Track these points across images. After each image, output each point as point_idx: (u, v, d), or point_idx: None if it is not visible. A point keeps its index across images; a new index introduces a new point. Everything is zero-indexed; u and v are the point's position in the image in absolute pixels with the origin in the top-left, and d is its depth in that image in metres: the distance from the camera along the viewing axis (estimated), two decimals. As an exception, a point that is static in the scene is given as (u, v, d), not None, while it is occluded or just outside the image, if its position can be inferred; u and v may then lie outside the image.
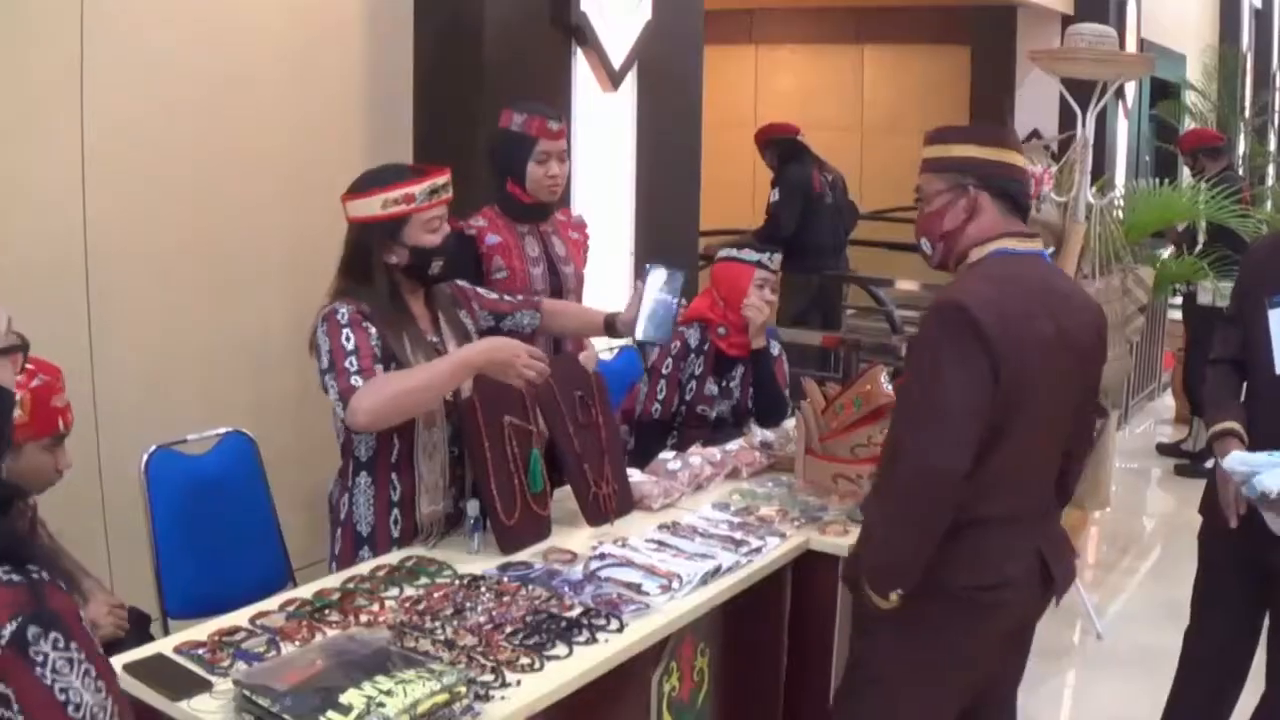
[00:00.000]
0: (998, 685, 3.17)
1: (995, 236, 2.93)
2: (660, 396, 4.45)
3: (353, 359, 3.19)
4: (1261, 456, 3.29)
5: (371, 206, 3.32)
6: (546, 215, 4.21)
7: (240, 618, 2.89)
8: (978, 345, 2.73)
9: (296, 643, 2.74)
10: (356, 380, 3.16)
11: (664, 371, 4.45)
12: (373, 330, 3.27)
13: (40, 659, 1.59)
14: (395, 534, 3.41)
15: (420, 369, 3.25)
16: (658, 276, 3.74)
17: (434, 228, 3.37)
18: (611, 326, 3.81)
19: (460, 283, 3.71)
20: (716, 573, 3.21)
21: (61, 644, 1.60)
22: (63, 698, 1.59)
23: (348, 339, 3.22)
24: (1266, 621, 3.67)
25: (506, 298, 3.83)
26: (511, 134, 4.08)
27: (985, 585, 2.87)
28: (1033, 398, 2.81)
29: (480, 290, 3.78)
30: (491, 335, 3.66)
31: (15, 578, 1.62)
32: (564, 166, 4.14)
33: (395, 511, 3.41)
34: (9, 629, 1.57)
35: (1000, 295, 2.82)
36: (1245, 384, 3.64)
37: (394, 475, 3.39)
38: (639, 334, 3.76)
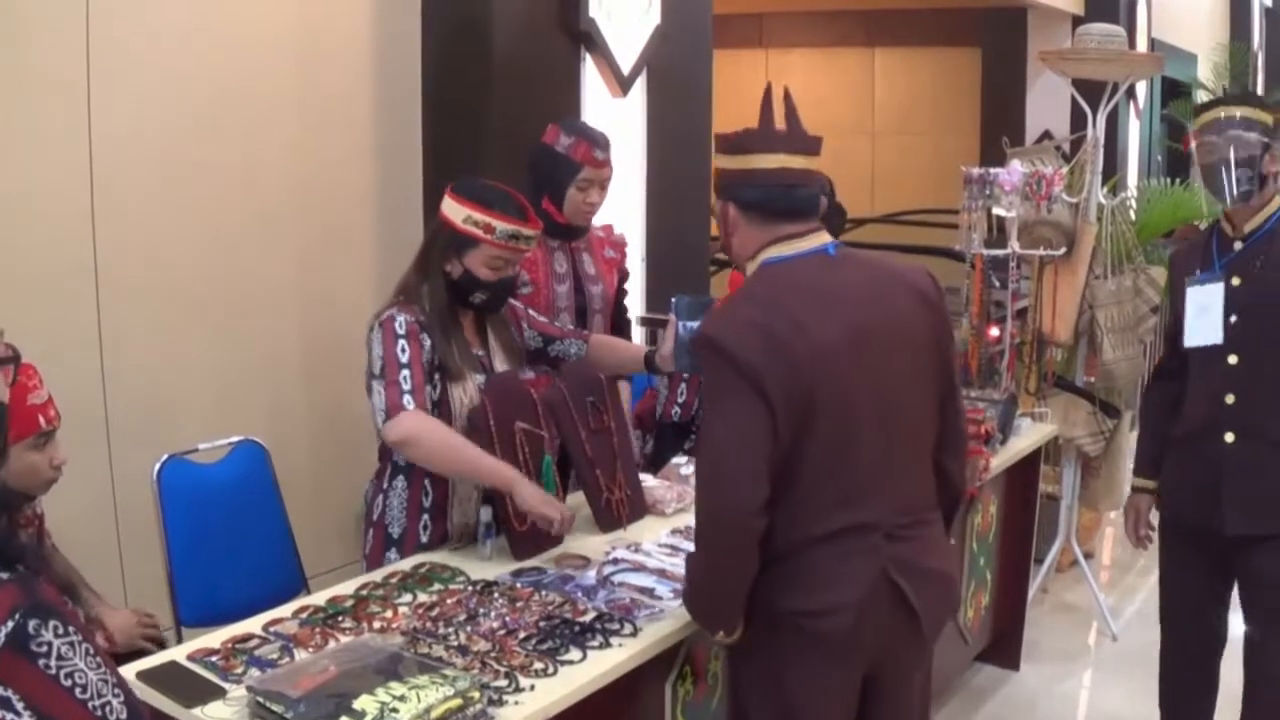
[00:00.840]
0: (880, 708, 2.91)
1: (761, 247, 2.80)
2: (681, 399, 4.45)
3: (406, 374, 3.25)
4: None
5: (456, 213, 3.38)
6: (579, 235, 4.15)
7: (253, 625, 2.90)
8: (735, 375, 2.60)
9: (310, 649, 2.74)
10: (408, 400, 3.21)
11: (685, 375, 4.43)
12: (428, 343, 3.33)
13: (44, 650, 1.60)
14: (424, 539, 3.45)
15: (477, 451, 3.27)
16: (685, 306, 3.67)
17: (495, 266, 3.39)
18: (651, 363, 3.79)
19: (512, 302, 3.72)
20: (729, 576, 3.19)
21: (61, 630, 1.62)
22: (69, 683, 1.61)
23: (403, 350, 3.28)
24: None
25: (557, 324, 3.86)
26: (556, 154, 4.00)
27: (812, 611, 2.69)
28: (833, 408, 2.64)
29: (532, 312, 3.79)
30: (538, 357, 3.75)
31: (3, 575, 1.62)
32: (604, 193, 4.08)
33: (425, 517, 3.46)
34: (6, 628, 1.57)
35: (763, 313, 2.66)
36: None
37: (427, 481, 3.43)
38: (676, 367, 3.74)
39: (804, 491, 2.67)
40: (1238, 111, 3.73)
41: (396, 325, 3.31)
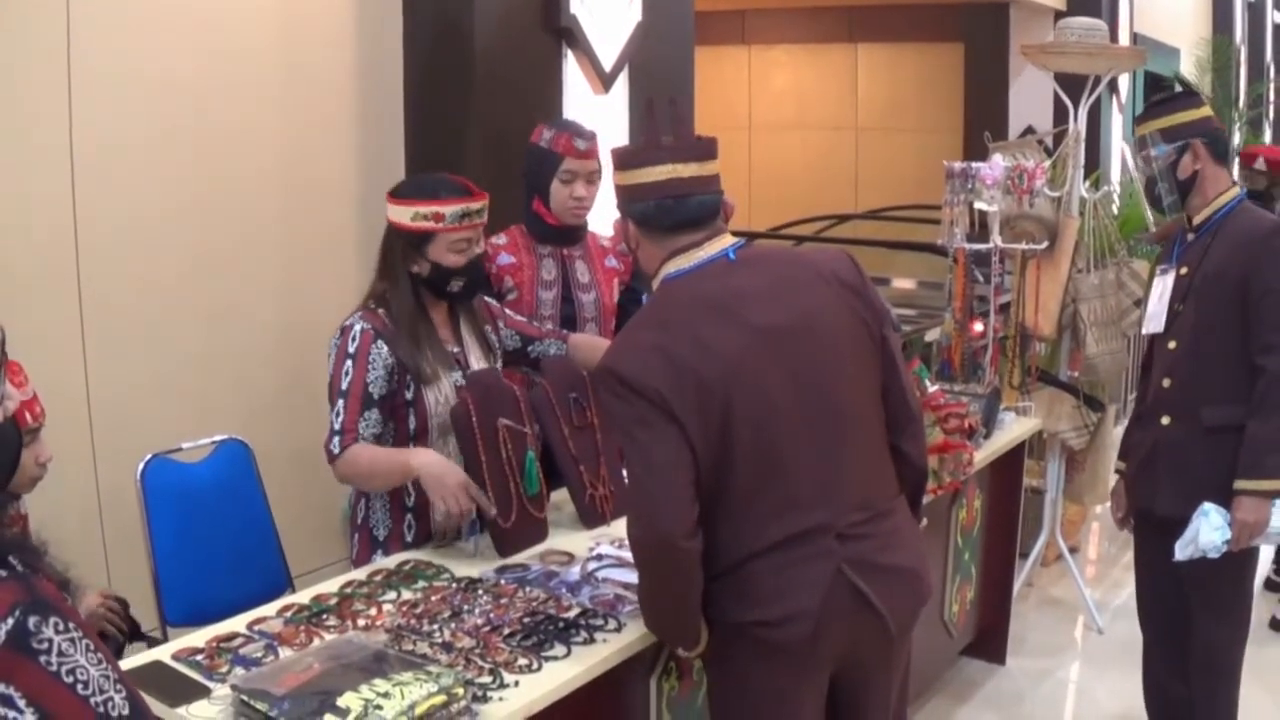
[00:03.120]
0: (852, 709, 2.87)
1: (661, 263, 2.76)
2: None
3: (341, 407, 3.29)
4: (1190, 534, 3.67)
5: (403, 215, 3.36)
6: (573, 240, 4.09)
7: (238, 624, 2.90)
8: (643, 404, 2.56)
9: (294, 647, 2.74)
10: (335, 445, 3.27)
11: None
12: (383, 350, 3.32)
13: (45, 647, 1.59)
14: (409, 539, 3.45)
15: (383, 459, 3.30)
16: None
17: (460, 249, 3.38)
18: None
19: (488, 300, 3.72)
20: (714, 571, 3.19)
21: (62, 626, 1.60)
22: (70, 679, 1.59)
23: (346, 373, 3.30)
24: None
25: (535, 323, 3.84)
26: (540, 150, 3.96)
27: (769, 621, 2.64)
28: (753, 417, 2.60)
29: (509, 311, 3.77)
30: (518, 357, 3.74)
31: (1, 572, 1.62)
32: (592, 189, 4.00)
33: (409, 517, 3.46)
34: (6, 626, 1.56)
35: (661, 335, 2.63)
36: None
37: (409, 483, 3.41)
38: None
39: (739, 505, 2.64)
40: (1146, 128, 3.88)
41: (349, 340, 3.32)
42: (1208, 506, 3.65)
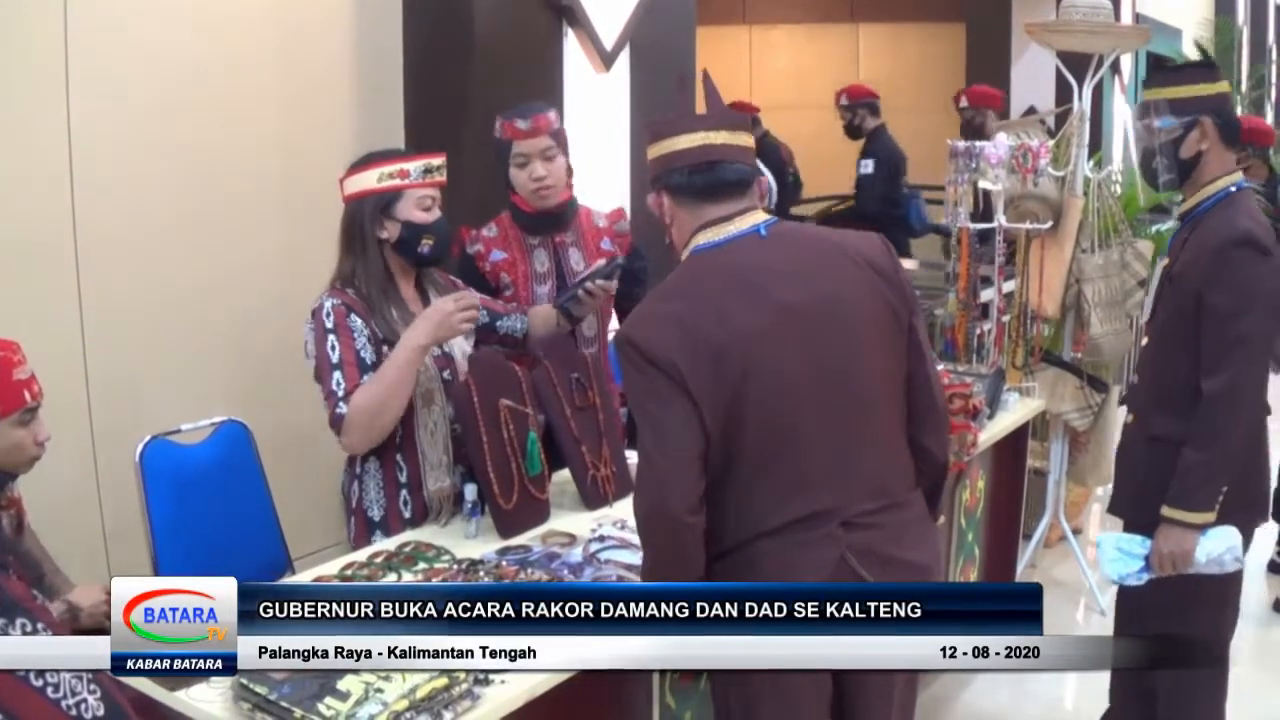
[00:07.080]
0: (855, 699, 2.79)
1: (691, 236, 2.70)
2: None
3: (339, 376, 3.26)
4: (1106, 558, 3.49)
5: (368, 180, 3.39)
6: (559, 225, 3.97)
7: (237, 606, 2.87)
8: (656, 374, 2.53)
9: (294, 630, 2.71)
10: (341, 408, 3.24)
11: None
12: (358, 323, 3.31)
13: None
14: (407, 515, 3.43)
15: (383, 371, 3.27)
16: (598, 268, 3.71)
17: (426, 205, 3.40)
18: (562, 314, 3.73)
19: (452, 277, 3.70)
20: (717, 553, 3.17)
21: (30, 628, 1.58)
22: (39, 683, 1.57)
23: (333, 348, 3.29)
24: None
25: (499, 301, 3.82)
26: (498, 141, 3.87)
27: None
28: (767, 395, 2.56)
29: (472, 289, 3.73)
30: (488, 334, 3.72)
31: None
32: (552, 166, 3.85)
33: (404, 493, 3.44)
34: None
35: (681, 306, 2.60)
36: None
37: (399, 457, 3.41)
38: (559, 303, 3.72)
39: (747, 483, 2.60)
40: (1154, 94, 3.55)
41: (324, 316, 3.31)
42: (1101, 538, 3.52)
